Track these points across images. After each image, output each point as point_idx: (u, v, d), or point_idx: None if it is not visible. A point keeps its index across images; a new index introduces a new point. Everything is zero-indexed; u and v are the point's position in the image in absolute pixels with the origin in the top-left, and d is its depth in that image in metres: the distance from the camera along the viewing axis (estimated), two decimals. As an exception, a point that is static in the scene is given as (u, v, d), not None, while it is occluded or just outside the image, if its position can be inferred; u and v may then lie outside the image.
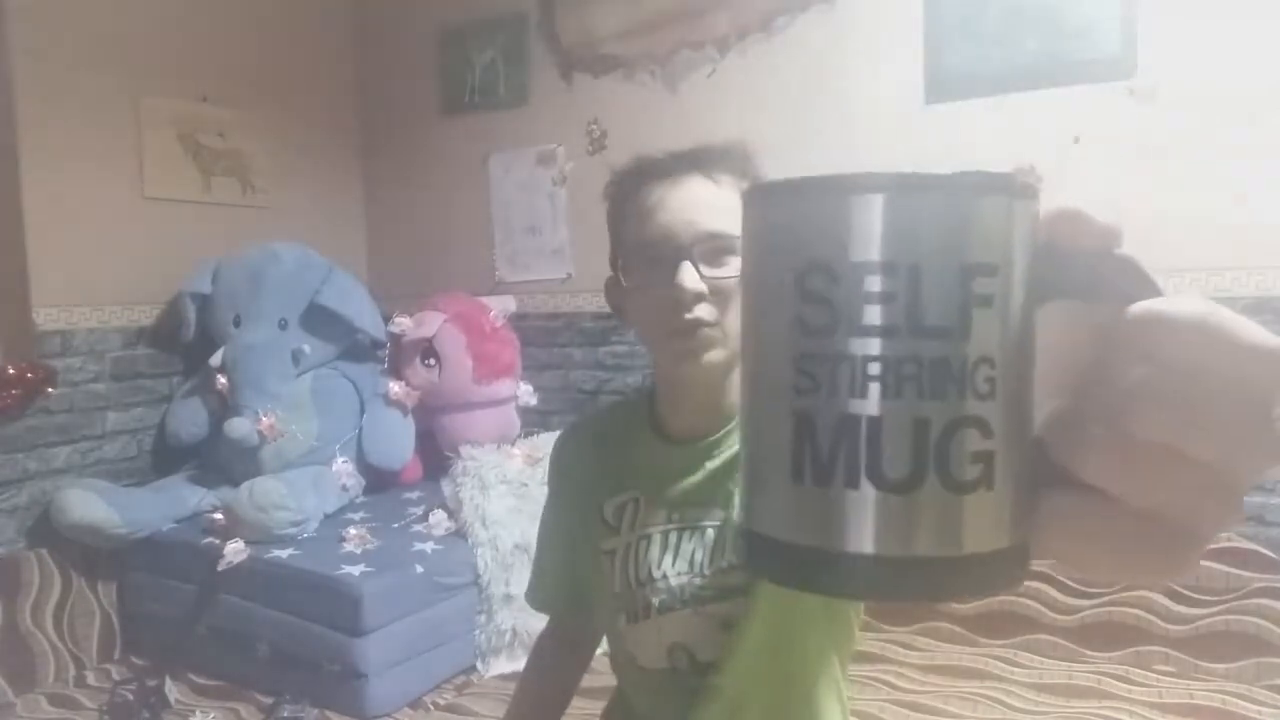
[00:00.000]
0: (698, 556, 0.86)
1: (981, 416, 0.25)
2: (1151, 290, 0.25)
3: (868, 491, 0.25)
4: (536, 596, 1.06)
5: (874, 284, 0.25)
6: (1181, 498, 0.24)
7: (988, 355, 0.25)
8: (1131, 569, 0.27)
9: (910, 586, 0.26)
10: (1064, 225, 0.27)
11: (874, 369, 0.25)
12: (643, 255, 0.81)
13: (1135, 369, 0.24)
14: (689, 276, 0.77)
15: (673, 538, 0.87)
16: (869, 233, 0.25)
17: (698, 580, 0.85)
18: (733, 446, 0.85)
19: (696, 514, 0.87)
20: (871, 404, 0.25)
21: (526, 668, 1.11)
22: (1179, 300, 0.24)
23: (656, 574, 0.87)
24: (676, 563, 0.86)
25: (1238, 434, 0.23)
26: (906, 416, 0.25)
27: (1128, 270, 0.26)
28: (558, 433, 1.06)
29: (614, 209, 0.87)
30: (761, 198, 0.28)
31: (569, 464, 0.99)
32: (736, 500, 0.31)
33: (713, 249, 0.79)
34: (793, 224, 0.27)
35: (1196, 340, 0.23)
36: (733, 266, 0.79)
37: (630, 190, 0.84)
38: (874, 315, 0.25)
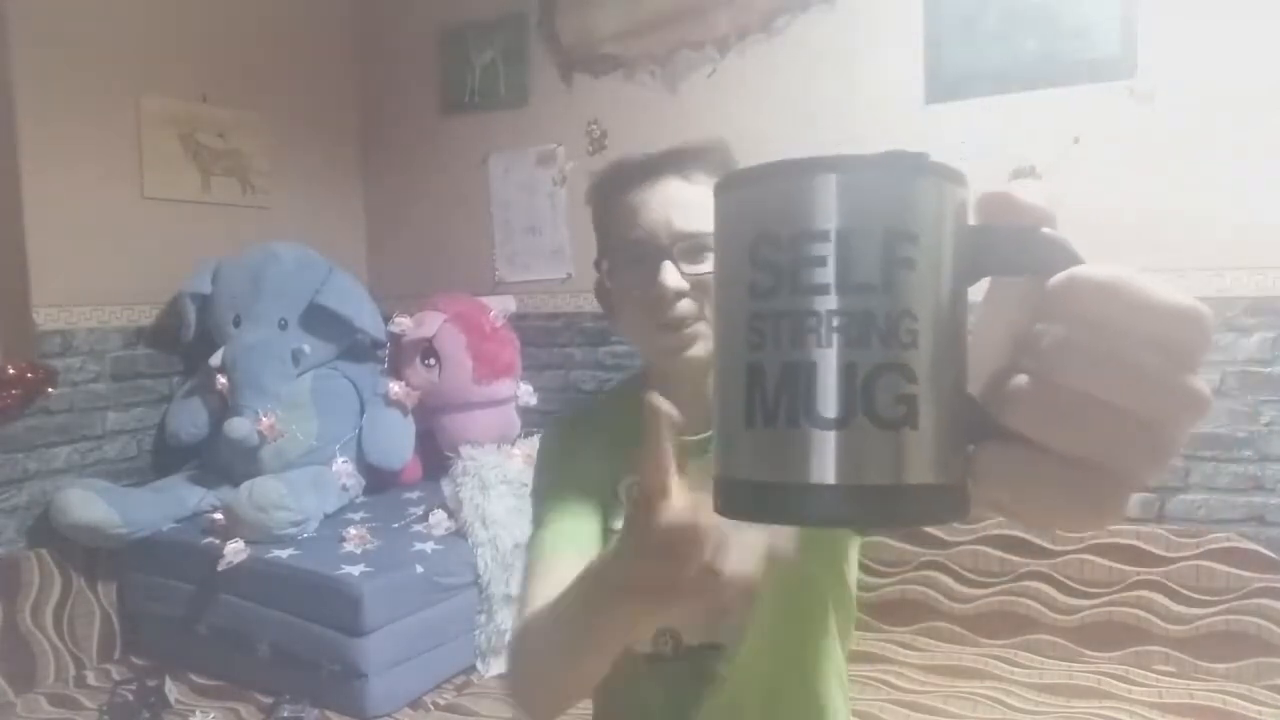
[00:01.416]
0: None
1: (904, 363, 0.28)
2: (1076, 263, 0.28)
3: (806, 429, 0.28)
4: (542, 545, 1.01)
5: (809, 249, 0.29)
6: (1106, 445, 0.26)
7: (909, 310, 0.28)
8: (1063, 513, 0.29)
9: (862, 513, 0.29)
10: (994, 205, 0.30)
11: (810, 322, 0.29)
12: (625, 257, 0.84)
13: (1057, 329, 0.27)
14: (670, 275, 0.80)
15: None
16: (807, 207, 0.29)
17: None
18: None
19: (703, 501, 0.87)
20: (808, 352, 0.29)
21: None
22: (1096, 265, 0.27)
23: None
24: None
25: (1153, 383, 0.26)
26: (837, 362, 0.28)
27: (1054, 246, 0.28)
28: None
29: (596, 213, 0.89)
30: (723, 186, 0.33)
31: (573, 446, 0.97)
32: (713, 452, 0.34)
33: (691, 247, 0.81)
34: (746, 204, 0.31)
35: (1112, 298, 0.26)
36: (711, 262, 0.80)
37: (610, 194, 0.86)
38: (809, 276, 0.29)
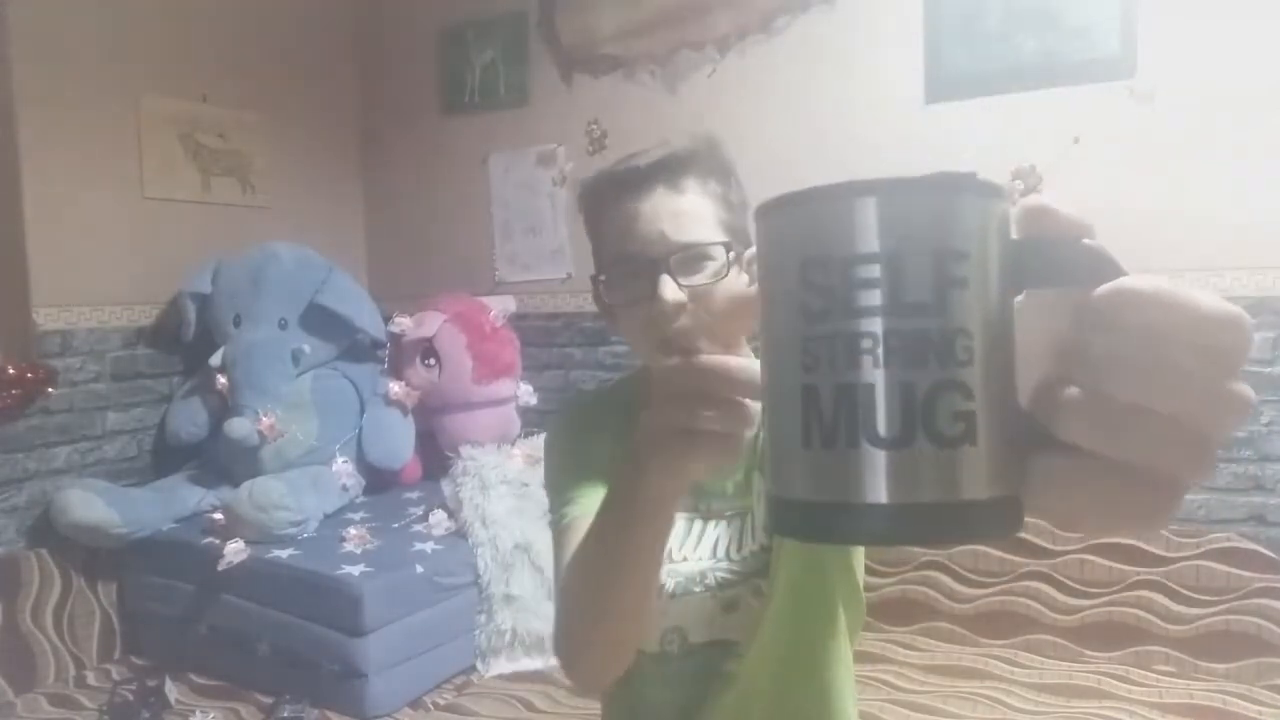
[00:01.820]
0: (721, 544, 0.88)
1: (962, 381, 0.29)
2: (1118, 273, 0.28)
3: (866, 449, 0.29)
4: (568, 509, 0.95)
5: (861, 272, 0.29)
6: (1154, 450, 0.27)
7: (964, 328, 0.29)
8: (1114, 519, 0.30)
9: (918, 530, 0.30)
10: (1035, 219, 0.31)
11: (865, 344, 0.29)
12: (621, 272, 0.83)
13: (1106, 337, 0.27)
14: (669, 289, 0.78)
15: (696, 525, 0.89)
16: (855, 230, 0.29)
17: (723, 565, 0.87)
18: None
19: (719, 506, 0.89)
20: (865, 373, 0.29)
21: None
22: (1141, 277, 0.27)
23: (676, 556, 0.88)
24: (698, 548, 0.88)
25: (1199, 390, 0.26)
26: (895, 383, 0.29)
27: (1096, 257, 0.29)
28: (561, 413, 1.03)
29: (589, 223, 0.89)
30: (768, 212, 0.33)
31: (582, 435, 0.96)
32: (764, 470, 0.34)
33: (688, 258, 0.80)
34: (793, 229, 0.32)
35: (1158, 308, 0.26)
36: (710, 270, 0.80)
37: (600, 205, 0.85)
38: (863, 298, 0.29)
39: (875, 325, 0.29)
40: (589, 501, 0.89)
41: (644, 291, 0.80)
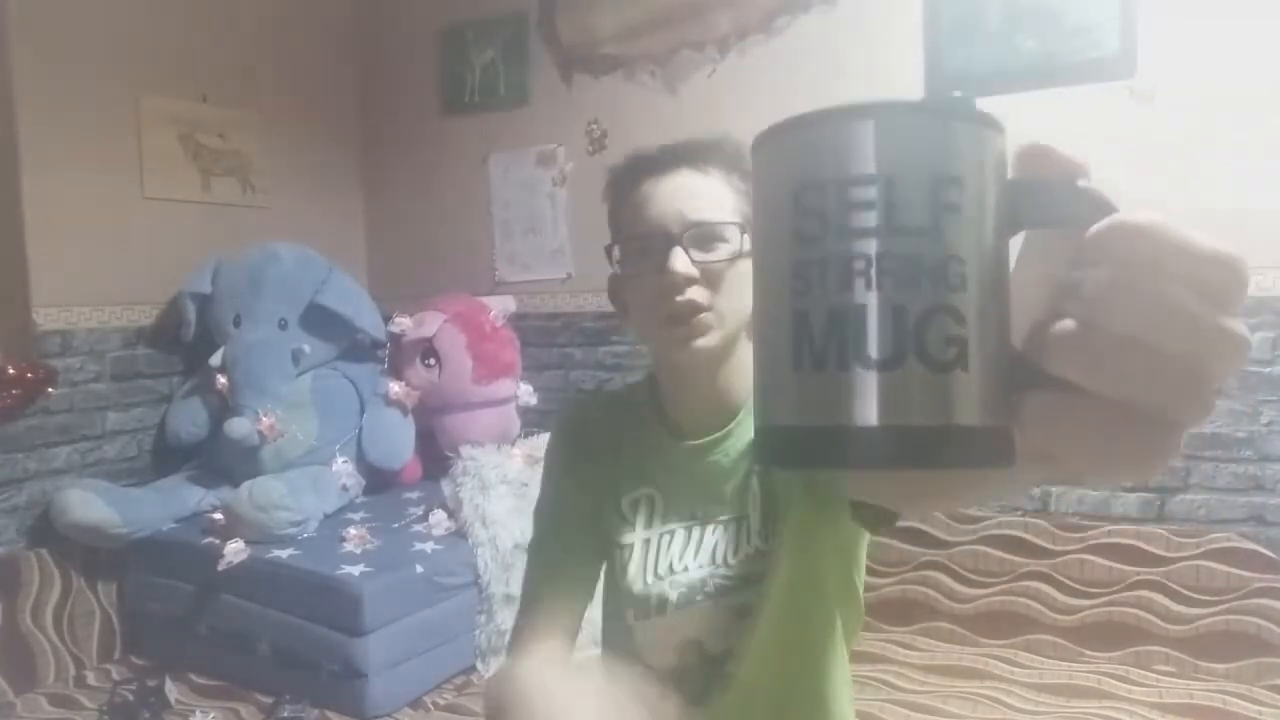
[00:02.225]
0: (720, 549, 0.87)
1: (954, 305, 0.28)
2: (1112, 212, 0.28)
3: (857, 371, 0.28)
4: (542, 559, 0.97)
5: (856, 194, 0.29)
6: (1150, 388, 0.27)
7: (957, 254, 0.28)
8: (1107, 459, 0.29)
9: (910, 454, 0.29)
10: (1032, 159, 0.30)
11: (858, 265, 0.28)
12: (636, 245, 0.84)
13: (1100, 273, 0.27)
14: (680, 260, 0.80)
15: (695, 533, 0.89)
16: (852, 152, 0.29)
17: (721, 571, 0.86)
18: (740, 439, 0.87)
19: (716, 510, 0.88)
20: (857, 295, 0.28)
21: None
22: (1135, 212, 0.27)
23: (678, 567, 0.88)
24: (698, 556, 0.87)
25: (1193, 324, 0.26)
26: (887, 305, 0.28)
27: (1092, 198, 0.29)
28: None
29: (611, 207, 0.89)
30: (765, 138, 0.32)
31: (588, 446, 0.96)
32: (754, 404, 0.33)
33: (702, 235, 0.81)
34: (789, 154, 0.31)
35: (1152, 241, 0.26)
36: (723, 251, 0.82)
37: (625, 186, 0.87)
38: (857, 220, 0.29)
39: (869, 247, 0.28)
40: (561, 546, 0.94)
41: (656, 263, 0.81)
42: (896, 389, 0.28)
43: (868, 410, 0.28)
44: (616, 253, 0.86)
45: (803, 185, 0.30)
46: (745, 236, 0.82)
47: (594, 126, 3.17)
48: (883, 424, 0.28)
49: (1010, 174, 0.31)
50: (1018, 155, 0.31)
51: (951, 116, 0.29)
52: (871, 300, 0.28)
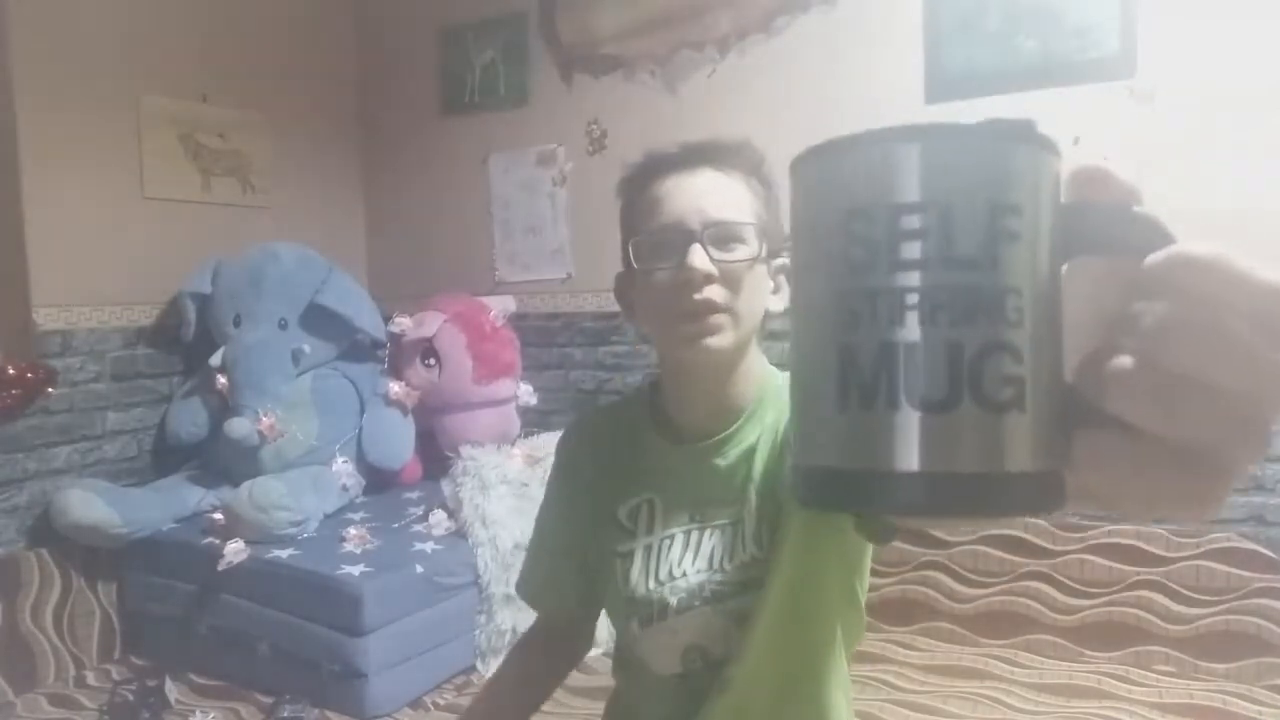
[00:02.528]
0: (717, 554, 0.87)
1: (1012, 342, 0.27)
2: (1170, 242, 0.27)
3: (908, 412, 0.27)
4: (526, 590, 1.06)
5: (909, 222, 0.27)
6: (1206, 428, 0.25)
7: (1015, 286, 0.27)
8: (1159, 500, 0.28)
9: (957, 502, 0.28)
10: (1088, 182, 0.29)
11: (910, 299, 0.27)
12: (653, 241, 0.83)
13: (1159, 306, 0.26)
14: (699, 257, 0.79)
15: (694, 536, 0.88)
16: (904, 178, 0.27)
17: (717, 576, 0.86)
18: (740, 443, 0.87)
19: (714, 513, 0.88)
20: (909, 331, 0.27)
21: (505, 660, 1.10)
22: (1197, 243, 0.26)
23: (677, 572, 0.88)
24: (696, 561, 0.87)
25: (1255, 363, 0.25)
26: (941, 341, 0.27)
27: (1148, 225, 0.28)
28: (558, 433, 1.05)
29: (627, 203, 0.89)
30: (808, 159, 0.30)
31: (575, 464, 0.99)
32: (790, 440, 0.33)
33: (721, 235, 0.81)
34: (836, 177, 0.29)
35: (1215, 276, 0.25)
36: (741, 252, 0.81)
37: (642, 183, 0.86)
38: (910, 250, 0.27)
39: (924, 280, 0.27)
40: (552, 551, 1.01)
41: (674, 259, 0.80)
42: (949, 432, 0.27)
43: (917, 455, 0.27)
44: (630, 248, 0.85)
45: (850, 211, 0.28)
46: (764, 242, 0.82)
47: (594, 126, 3.17)
48: (932, 469, 0.27)
49: (1063, 198, 0.29)
50: (1072, 178, 0.30)
51: (1008, 139, 0.28)
52: (925, 336, 0.27)
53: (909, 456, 0.27)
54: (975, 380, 0.27)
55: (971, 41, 2.54)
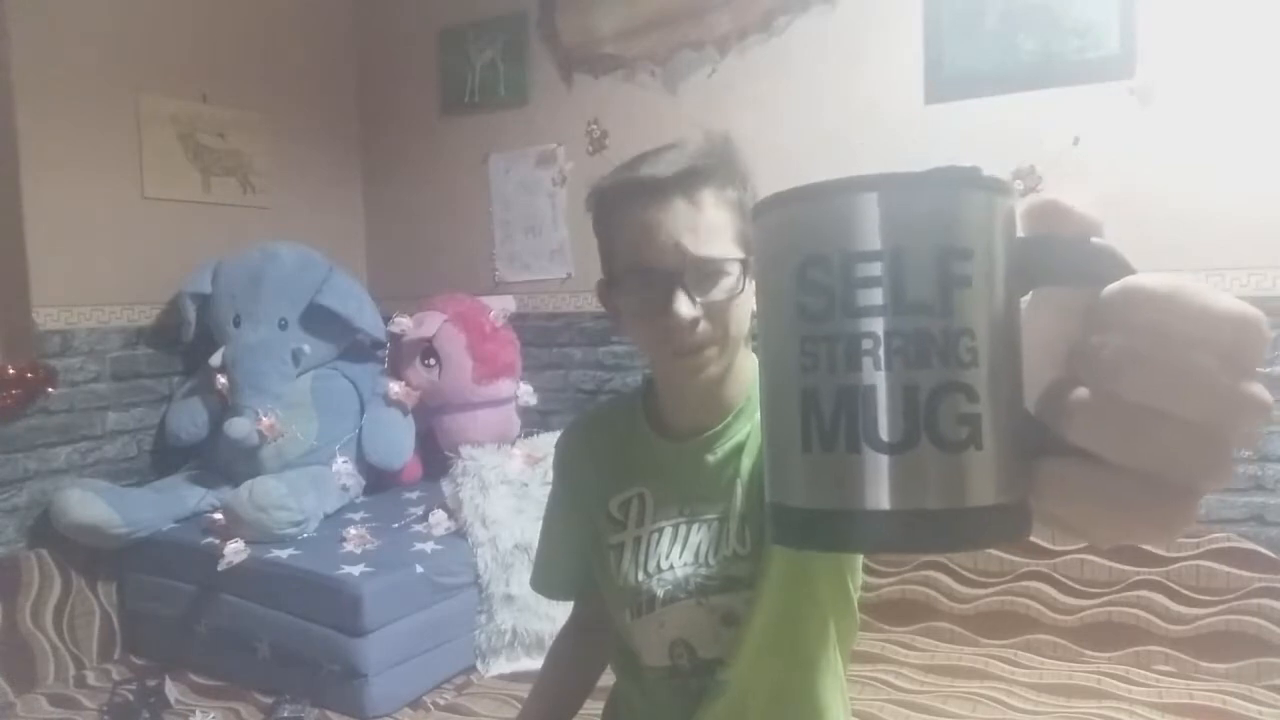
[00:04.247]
0: (703, 548, 0.88)
1: (966, 383, 0.28)
2: (1128, 272, 0.27)
3: (868, 454, 0.28)
4: (550, 582, 1.07)
5: (863, 270, 0.28)
6: (1167, 455, 0.26)
7: (968, 328, 0.28)
8: (1125, 527, 0.28)
9: (922, 538, 0.29)
10: (1042, 215, 0.30)
11: (866, 344, 0.28)
12: (636, 282, 0.83)
13: (1116, 337, 0.26)
14: (683, 305, 0.79)
15: (682, 530, 0.90)
16: (857, 226, 0.28)
17: (702, 570, 0.87)
18: (729, 439, 0.89)
19: (702, 507, 0.89)
20: (866, 375, 0.28)
21: (546, 660, 1.13)
22: (1152, 275, 0.26)
23: (664, 565, 0.89)
24: (684, 554, 0.88)
25: (1212, 390, 0.25)
26: (897, 384, 0.28)
27: (1105, 256, 0.28)
28: (558, 433, 1.07)
29: (600, 226, 0.89)
30: (765, 209, 0.32)
31: (571, 462, 1.01)
32: (764, 479, 0.33)
33: (703, 274, 0.81)
34: (791, 227, 0.30)
35: (1169, 307, 0.26)
36: (724, 286, 0.81)
37: (613, 209, 0.85)
38: (864, 297, 0.28)
39: (877, 325, 0.28)
40: (565, 543, 1.02)
41: (658, 303, 0.80)
42: (909, 472, 0.27)
43: (879, 494, 0.28)
44: (612, 286, 0.86)
45: (807, 259, 0.29)
46: (745, 267, 0.82)
47: (594, 126, 3.17)
48: (895, 508, 0.28)
49: (1021, 230, 0.30)
50: (1028, 211, 0.30)
51: (957, 186, 0.29)
52: (881, 380, 0.28)
53: (872, 496, 0.28)
54: (931, 421, 0.27)
55: (971, 41, 2.54)
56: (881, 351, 0.28)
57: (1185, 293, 0.26)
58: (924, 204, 0.28)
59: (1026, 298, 0.30)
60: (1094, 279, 0.27)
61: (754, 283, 0.35)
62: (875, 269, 0.28)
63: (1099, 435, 0.26)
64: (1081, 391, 0.27)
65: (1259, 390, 0.26)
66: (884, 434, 0.27)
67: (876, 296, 0.28)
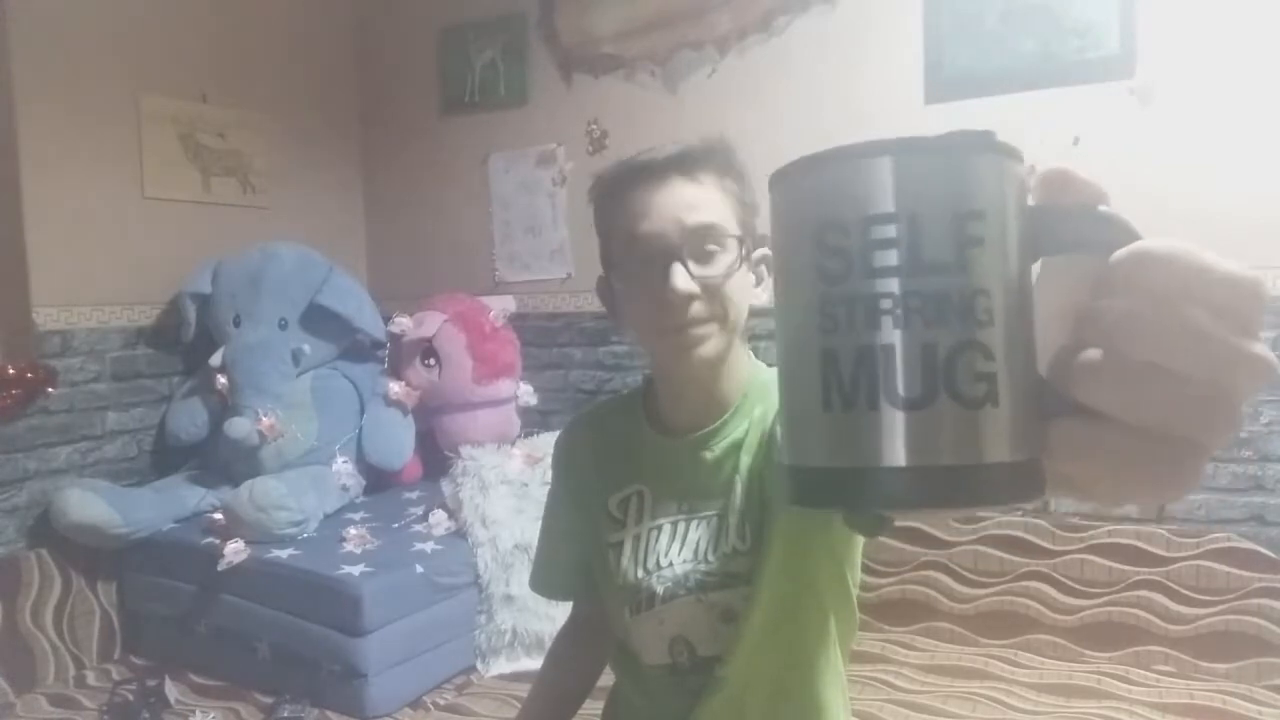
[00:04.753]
0: (701, 545, 0.88)
1: (983, 341, 0.28)
2: (1135, 239, 0.28)
3: (887, 410, 0.28)
4: (550, 582, 1.07)
5: (880, 232, 0.29)
6: (1171, 411, 0.27)
7: (984, 288, 0.29)
8: (1132, 484, 0.29)
9: (939, 494, 0.29)
10: (1053, 185, 0.31)
11: (885, 304, 0.28)
12: (633, 258, 0.84)
13: (1122, 300, 0.27)
14: (681, 278, 0.80)
15: (680, 527, 0.90)
16: (874, 190, 0.29)
17: (701, 567, 0.87)
18: (727, 436, 0.89)
19: (701, 504, 0.89)
20: (885, 334, 0.28)
21: (545, 660, 1.13)
22: (1156, 240, 0.28)
23: (664, 561, 0.89)
24: (682, 551, 0.89)
25: (1214, 348, 0.26)
26: (915, 343, 0.28)
27: (1114, 223, 0.29)
28: (558, 433, 1.07)
29: (600, 214, 0.89)
30: (783, 177, 0.32)
31: (571, 461, 1.01)
32: (779, 442, 0.34)
33: (700, 245, 0.81)
34: (810, 193, 0.31)
35: (1174, 269, 0.27)
36: (721, 263, 0.82)
37: (615, 194, 0.86)
38: (881, 259, 0.29)
39: (894, 286, 0.28)
40: (565, 543, 1.02)
41: (656, 278, 0.81)
42: (927, 429, 0.28)
43: (898, 451, 0.28)
44: (610, 266, 0.87)
45: (825, 224, 0.30)
46: (743, 244, 0.83)
47: (594, 126, 3.17)
48: (914, 465, 0.28)
49: (1031, 200, 0.31)
50: (1039, 181, 0.31)
51: (970, 150, 0.29)
52: (899, 339, 0.28)
53: (890, 453, 0.28)
54: (949, 378, 0.28)
55: (971, 41, 2.54)
56: (900, 311, 0.28)
57: (1186, 255, 0.27)
58: (938, 167, 0.29)
59: (1038, 267, 0.31)
60: (1102, 245, 0.28)
61: (771, 253, 0.37)
62: (891, 231, 0.28)
63: (1105, 393, 0.27)
64: (1089, 352, 0.28)
65: (1260, 348, 0.27)
66: (903, 390, 0.28)
67: (893, 258, 0.28)
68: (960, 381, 0.28)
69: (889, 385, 0.28)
